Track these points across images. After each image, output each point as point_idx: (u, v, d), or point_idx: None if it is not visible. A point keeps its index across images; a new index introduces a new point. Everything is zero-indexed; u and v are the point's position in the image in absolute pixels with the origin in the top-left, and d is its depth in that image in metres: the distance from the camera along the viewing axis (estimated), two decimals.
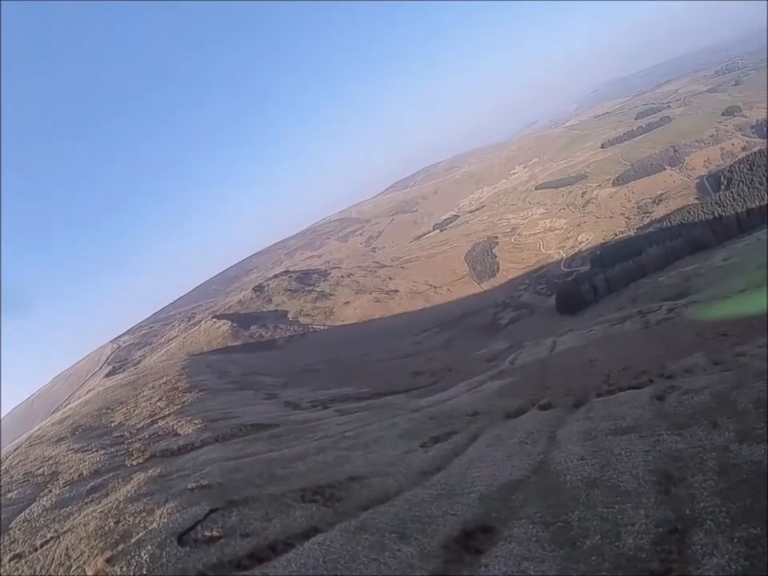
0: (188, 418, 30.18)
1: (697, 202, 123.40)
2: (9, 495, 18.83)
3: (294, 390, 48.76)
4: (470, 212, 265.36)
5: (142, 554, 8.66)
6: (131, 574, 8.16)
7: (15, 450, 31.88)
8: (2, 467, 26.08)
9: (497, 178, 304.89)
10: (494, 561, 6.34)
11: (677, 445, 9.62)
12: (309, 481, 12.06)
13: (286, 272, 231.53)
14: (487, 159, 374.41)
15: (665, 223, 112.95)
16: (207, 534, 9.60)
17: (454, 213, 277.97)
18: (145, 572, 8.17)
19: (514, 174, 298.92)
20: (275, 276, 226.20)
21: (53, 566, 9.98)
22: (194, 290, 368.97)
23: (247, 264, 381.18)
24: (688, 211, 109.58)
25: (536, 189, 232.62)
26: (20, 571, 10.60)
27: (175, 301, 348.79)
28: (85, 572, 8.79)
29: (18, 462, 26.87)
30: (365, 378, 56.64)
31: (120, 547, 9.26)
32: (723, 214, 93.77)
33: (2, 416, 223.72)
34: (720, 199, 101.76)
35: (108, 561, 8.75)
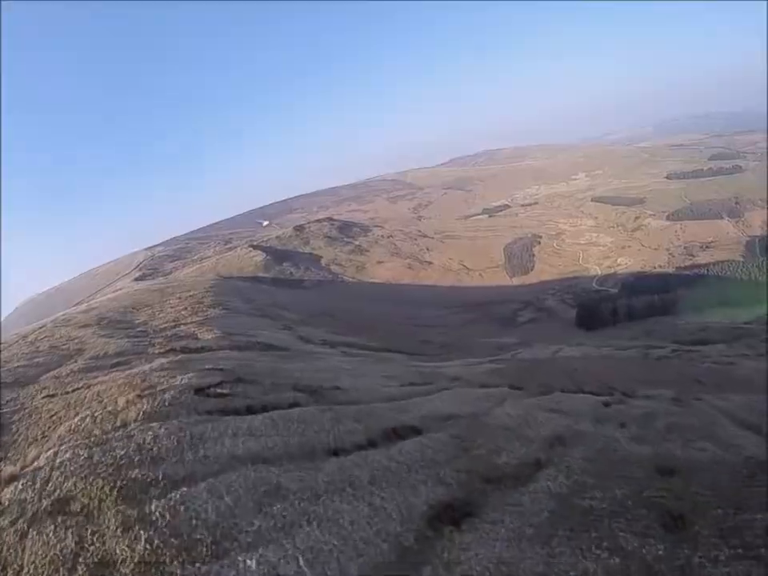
0: (209, 328, 30.75)
1: (741, 260, 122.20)
2: (35, 360, 19.80)
3: (309, 328, 50.09)
4: (522, 206, 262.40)
5: (165, 396, 10.89)
6: (156, 403, 10.35)
7: (40, 327, 31.75)
8: (28, 339, 26.45)
9: (557, 179, 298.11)
10: (408, 445, 8.96)
11: (581, 426, 11.52)
12: (302, 382, 14.66)
13: (330, 219, 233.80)
14: (552, 158, 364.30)
15: (703, 271, 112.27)
16: (218, 391, 12.16)
17: (506, 202, 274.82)
18: (167, 404, 10.37)
19: (574, 179, 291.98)
20: (318, 220, 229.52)
21: (86, 401, 11.64)
22: (237, 215, 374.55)
23: (293, 203, 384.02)
24: (729, 266, 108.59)
25: (592, 200, 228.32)
26: (53, 404, 12.11)
27: (215, 223, 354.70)
28: (117, 402, 10.61)
29: (44, 337, 27.05)
30: (377, 334, 59.11)
31: (147, 391, 11.41)
32: (760, 279, 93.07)
33: (22, 301, 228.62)
34: (763, 264, 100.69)
35: (138, 396, 10.85)
